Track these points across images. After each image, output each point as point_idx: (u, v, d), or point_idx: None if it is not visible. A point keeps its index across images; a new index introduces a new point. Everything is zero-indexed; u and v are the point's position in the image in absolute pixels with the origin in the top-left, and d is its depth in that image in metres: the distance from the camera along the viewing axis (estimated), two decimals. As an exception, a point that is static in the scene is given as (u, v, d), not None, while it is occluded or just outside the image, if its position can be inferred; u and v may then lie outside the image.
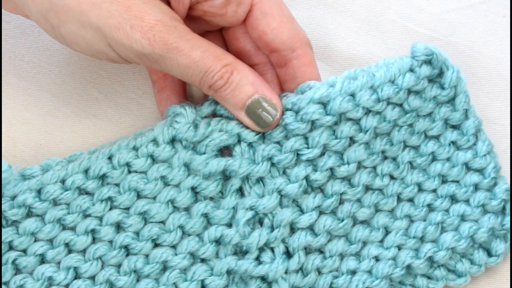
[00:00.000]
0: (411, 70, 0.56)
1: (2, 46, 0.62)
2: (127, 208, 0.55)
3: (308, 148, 0.56)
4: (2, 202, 0.54)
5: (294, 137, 0.56)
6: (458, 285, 0.59)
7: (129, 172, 0.56)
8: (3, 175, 0.54)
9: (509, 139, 0.64)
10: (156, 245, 0.56)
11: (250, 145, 0.56)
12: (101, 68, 0.63)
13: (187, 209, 0.56)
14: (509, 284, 0.61)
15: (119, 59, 0.54)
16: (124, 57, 0.53)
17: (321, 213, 0.57)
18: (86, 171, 0.55)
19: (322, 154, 0.56)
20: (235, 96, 0.55)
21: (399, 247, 0.58)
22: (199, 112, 0.57)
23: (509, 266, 0.61)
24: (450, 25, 0.66)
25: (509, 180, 0.62)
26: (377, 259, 0.57)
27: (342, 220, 0.57)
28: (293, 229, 0.57)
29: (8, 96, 0.61)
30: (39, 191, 0.55)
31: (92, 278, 0.55)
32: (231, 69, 0.54)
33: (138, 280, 0.55)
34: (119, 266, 0.55)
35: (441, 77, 0.58)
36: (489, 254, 0.59)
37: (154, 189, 0.55)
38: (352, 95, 0.56)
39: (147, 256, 0.55)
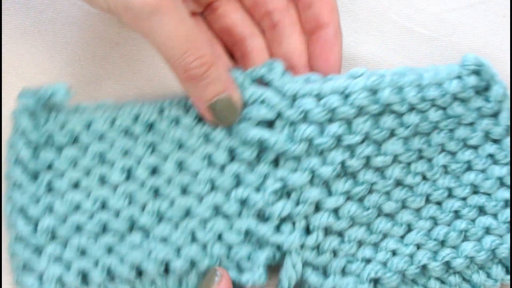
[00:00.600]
0: (459, 77, 0.57)
1: (2, 46, 0.62)
2: (166, 157, 0.57)
3: (350, 134, 0.56)
4: (53, 124, 0.57)
5: (338, 121, 0.56)
6: None
7: (176, 125, 0.58)
8: (61, 97, 0.56)
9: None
10: (185, 194, 0.57)
11: (291, 123, 0.57)
12: (101, 68, 0.63)
13: (222, 168, 0.58)
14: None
15: (105, 5, 0.53)
16: (112, 6, 0.52)
17: (348, 198, 0.57)
18: (136, 117, 0.58)
19: (362, 142, 0.57)
20: (206, 90, 0.55)
21: (418, 246, 0.58)
22: (250, 75, 0.58)
23: None
24: (450, 25, 0.67)
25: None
26: (394, 253, 0.58)
27: (368, 209, 0.57)
28: (317, 208, 0.57)
29: (8, 96, 0.61)
30: (89, 124, 0.57)
31: (117, 213, 0.57)
32: (212, 62, 0.54)
33: (159, 223, 0.57)
34: (144, 207, 0.57)
35: (488, 90, 0.58)
36: (508, 271, 0.59)
37: (196, 143, 0.57)
38: (400, 88, 0.56)
39: (173, 202, 0.57)
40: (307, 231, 0.57)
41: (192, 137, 0.58)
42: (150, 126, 0.58)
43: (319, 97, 0.57)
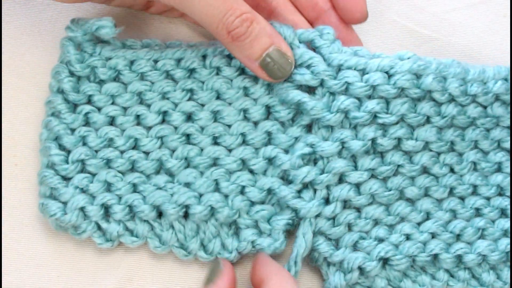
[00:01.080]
0: (505, 79, 0.57)
1: (2, 46, 0.62)
2: (203, 105, 0.58)
3: (386, 113, 0.56)
4: (98, 58, 0.58)
5: (377, 99, 0.56)
6: None
7: (217, 74, 0.58)
8: (106, 30, 0.57)
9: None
10: (215, 144, 0.58)
11: (332, 92, 0.57)
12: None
13: (256, 124, 0.58)
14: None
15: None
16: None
17: (372, 176, 0.57)
18: (178, 60, 0.59)
19: (396, 123, 0.57)
20: (253, 47, 0.55)
21: (433, 235, 0.58)
22: (300, 36, 0.58)
23: None
24: (450, 25, 0.67)
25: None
26: (407, 237, 0.58)
27: (390, 190, 0.57)
28: (341, 180, 0.57)
29: (8, 96, 0.61)
30: (132, 62, 0.58)
31: (147, 154, 0.57)
32: (252, 17, 0.54)
33: (185, 168, 0.57)
34: (173, 151, 0.58)
35: None
36: None
37: (234, 96, 0.58)
38: (444, 78, 0.56)
39: (202, 150, 0.58)
40: (327, 201, 0.57)
41: (231, 89, 0.58)
42: (191, 72, 0.58)
43: (364, 72, 0.57)
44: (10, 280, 0.58)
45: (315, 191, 0.57)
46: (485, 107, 0.58)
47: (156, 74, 0.58)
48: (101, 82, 0.59)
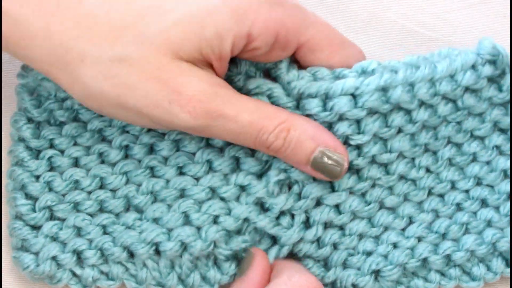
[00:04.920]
0: (473, 67, 0.56)
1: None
2: (164, 134, 0.57)
3: (358, 133, 0.55)
4: (53, 101, 0.58)
5: (347, 120, 0.55)
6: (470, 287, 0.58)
7: None
8: None
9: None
10: (181, 174, 0.57)
11: None
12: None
13: (221, 150, 0.57)
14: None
15: (168, 129, 0.54)
16: (173, 129, 0.54)
17: (350, 193, 0.57)
18: None
19: (369, 141, 0.56)
20: (297, 154, 0.53)
21: (419, 239, 0.58)
22: (256, 66, 0.56)
23: None
24: (450, 25, 0.66)
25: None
26: (395, 246, 0.57)
27: (369, 204, 0.57)
28: (319, 202, 0.57)
29: (8, 96, 0.61)
30: None
31: (114, 191, 0.57)
32: (287, 126, 0.53)
33: (153, 203, 0.56)
34: (139, 186, 0.57)
35: (501, 78, 0.57)
36: (508, 264, 0.59)
37: None
38: (411, 85, 0.55)
39: (168, 182, 0.56)
40: (307, 224, 0.57)
41: None
42: None
43: (327, 96, 0.55)
44: (10, 280, 0.58)
45: (292, 216, 0.57)
46: (454, 101, 0.57)
47: None
48: (62, 124, 0.58)
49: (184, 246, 0.55)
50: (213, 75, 0.53)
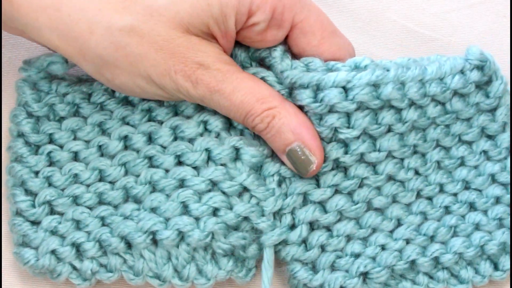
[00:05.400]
0: (462, 72, 0.56)
1: (2, 46, 0.62)
2: (162, 123, 0.57)
3: (348, 127, 0.55)
4: (55, 95, 0.58)
5: (337, 113, 0.55)
6: None
7: None
8: (57, 66, 0.57)
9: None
10: (180, 164, 0.56)
11: None
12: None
13: (218, 135, 0.57)
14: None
15: (173, 98, 0.55)
16: (173, 97, 0.55)
17: (336, 191, 0.57)
18: None
19: (358, 137, 0.56)
20: (275, 141, 0.55)
21: (408, 241, 0.58)
22: (252, 55, 0.57)
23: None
24: (450, 25, 0.66)
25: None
26: (383, 248, 0.57)
27: (357, 203, 0.57)
28: (306, 201, 0.57)
29: (8, 96, 0.61)
30: (89, 95, 0.58)
31: (113, 183, 0.57)
32: (273, 113, 0.55)
33: (151, 193, 0.56)
34: (138, 177, 0.57)
35: (488, 85, 0.58)
36: (496, 268, 0.59)
37: (191, 107, 0.57)
38: (402, 84, 0.55)
39: (167, 171, 0.56)
40: (293, 226, 0.57)
41: (188, 103, 0.57)
42: None
43: (318, 88, 0.55)
44: (10, 280, 0.58)
45: (280, 216, 0.57)
46: (443, 104, 0.57)
47: (114, 101, 0.58)
48: (62, 119, 0.58)
49: (182, 236, 0.55)
50: (220, 50, 0.55)
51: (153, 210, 0.55)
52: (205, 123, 0.57)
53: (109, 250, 0.55)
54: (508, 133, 0.59)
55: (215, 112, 0.57)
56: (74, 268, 0.56)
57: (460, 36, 0.66)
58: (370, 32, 0.66)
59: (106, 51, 0.53)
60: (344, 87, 0.55)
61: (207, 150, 0.56)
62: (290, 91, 0.56)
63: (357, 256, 0.57)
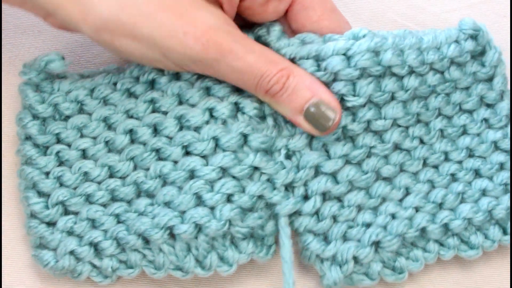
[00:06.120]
0: (457, 41, 0.58)
1: (2, 46, 0.62)
2: (167, 113, 0.56)
3: (354, 95, 0.56)
4: (58, 95, 0.57)
5: (342, 81, 0.55)
6: (468, 257, 0.59)
7: (177, 80, 0.57)
8: (55, 64, 0.57)
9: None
10: (188, 154, 0.56)
11: None
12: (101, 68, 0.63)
13: (224, 122, 0.56)
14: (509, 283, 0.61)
15: (174, 66, 0.54)
16: (178, 64, 0.54)
17: (346, 162, 0.57)
18: (137, 78, 0.57)
19: (363, 105, 0.56)
20: (292, 101, 0.54)
21: (417, 209, 0.58)
22: (251, 34, 0.57)
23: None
24: (450, 25, 0.66)
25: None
26: (393, 216, 0.57)
27: (366, 173, 0.57)
28: (317, 172, 0.57)
29: (8, 96, 0.61)
30: (92, 90, 0.57)
31: (123, 178, 0.56)
32: (287, 73, 0.54)
33: (163, 186, 0.56)
34: (147, 170, 0.56)
35: (483, 55, 0.59)
36: (505, 233, 0.59)
37: (197, 95, 0.56)
38: (401, 51, 0.56)
39: (176, 162, 0.56)
40: (305, 197, 0.57)
41: (192, 89, 0.56)
42: (152, 84, 0.57)
43: (319, 58, 0.55)
44: (10, 280, 0.58)
45: (293, 189, 0.57)
46: (442, 73, 0.58)
47: (117, 95, 0.57)
48: (67, 118, 0.57)
49: (199, 228, 0.54)
50: (226, 15, 0.54)
51: (167, 204, 0.55)
52: (211, 110, 0.56)
53: (127, 247, 0.55)
54: (506, 101, 0.60)
55: (221, 99, 0.56)
56: (94, 266, 0.56)
57: (460, 36, 0.67)
58: (370, 32, 0.66)
59: (109, 11, 0.51)
60: (345, 55, 0.55)
61: (215, 139, 0.55)
62: None
63: (368, 225, 0.57)
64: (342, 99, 0.56)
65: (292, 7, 0.56)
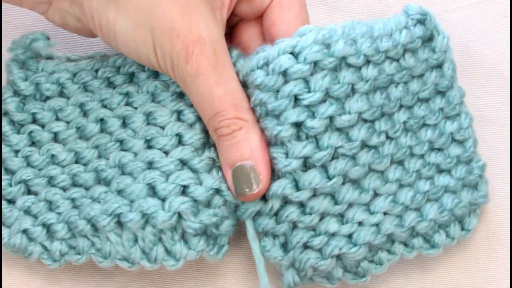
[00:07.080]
0: (406, 27, 0.56)
1: (2, 46, 0.62)
2: (137, 108, 0.57)
3: (309, 92, 0.53)
4: (41, 75, 0.58)
5: (292, 81, 0.53)
6: (430, 255, 0.58)
7: (155, 78, 0.57)
8: (39, 43, 0.58)
9: (509, 139, 0.64)
10: (150, 148, 0.56)
11: (248, 96, 0.55)
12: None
13: (191, 126, 0.56)
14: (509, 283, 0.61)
15: (157, 65, 0.54)
16: (161, 65, 0.54)
17: (308, 165, 0.54)
18: (118, 68, 0.58)
19: (323, 101, 0.54)
20: (230, 151, 0.53)
21: (385, 213, 0.56)
22: None
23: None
24: (450, 25, 0.67)
25: (510, 180, 0.62)
26: (360, 224, 0.55)
27: (332, 178, 0.54)
28: (279, 176, 0.54)
29: (8, 96, 0.61)
30: (74, 74, 0.58)
31: (86, 165, 0.57)
32: (242, 125, 0.53)
33: (120, 175, 0.56)
34: (108, 159, 0.56)
35: (432, 41, 0.58)
36: (463, 228, 0.59)
37: (169, 98, 0.56)
38: (354, 41, 0.54)
39: (136, 154, 0.56)
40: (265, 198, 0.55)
41: (166, 92, 0.57)
42: (131, 77, 0.58)
43: (267, 63, 0.54)
44: (10, 280, 0.58)
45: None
46: (398, 61, 0.56)
47: (97, 83, 0.57)
48: (47, 99, 0.58)
49: (147, 218, 0.54)
50: (222, 32, 0.54)
51: (120, 192, 0.55)
52: (179, 113, 0.56)
53: (77, 232, 0.55)
54: (456, 89, 0.59)
55: (191, 105, 0.56)
56: (46, 248, 0.56)
57: (460, 36, 0.67)
58: (370, 32, 0.66)
59: None
60: (292, 53, 0.54)
61: (178, 135, 0.56)
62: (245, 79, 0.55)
63: (332, 235, 0.55)
64: (295, 99, 0.54)
65: (271, 3, 0.57)
